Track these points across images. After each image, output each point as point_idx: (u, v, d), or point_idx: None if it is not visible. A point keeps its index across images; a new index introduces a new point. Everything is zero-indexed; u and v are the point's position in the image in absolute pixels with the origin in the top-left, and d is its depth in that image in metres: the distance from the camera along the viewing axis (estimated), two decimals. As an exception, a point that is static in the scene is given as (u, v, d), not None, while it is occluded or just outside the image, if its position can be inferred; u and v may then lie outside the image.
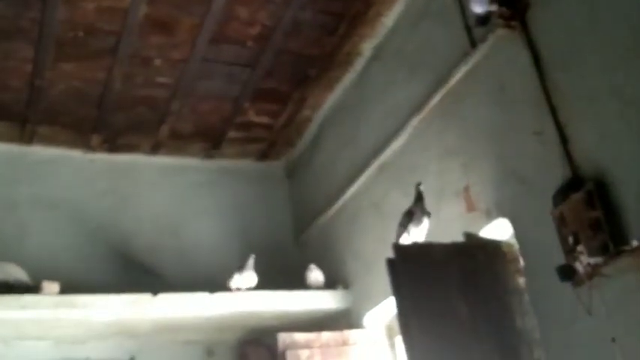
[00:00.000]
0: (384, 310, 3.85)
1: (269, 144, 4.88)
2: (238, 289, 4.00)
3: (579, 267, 2.42)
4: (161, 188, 4.69)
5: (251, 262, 4.05)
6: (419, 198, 3.09)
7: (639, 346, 2.28)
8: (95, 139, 4.49)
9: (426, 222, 3.05)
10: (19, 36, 3.65)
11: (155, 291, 3.81)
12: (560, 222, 2.58)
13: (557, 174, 2.65)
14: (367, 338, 3.98)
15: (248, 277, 4.04)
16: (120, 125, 4.42)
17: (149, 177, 4.70)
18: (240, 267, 4.06)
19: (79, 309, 3.66)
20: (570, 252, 2.49)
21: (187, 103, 4.33)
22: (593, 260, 2.37)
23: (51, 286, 3.65)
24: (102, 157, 4.61)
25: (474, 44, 3.18)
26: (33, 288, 3.66)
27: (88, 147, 4.54)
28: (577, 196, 2.51)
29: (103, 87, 4.08)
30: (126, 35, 3.72)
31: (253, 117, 4.57)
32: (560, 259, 2.53)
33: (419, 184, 3.11)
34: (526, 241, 2.81)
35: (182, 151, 4.76)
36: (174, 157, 4.78)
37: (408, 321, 2.64)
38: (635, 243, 2.22)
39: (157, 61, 3.96)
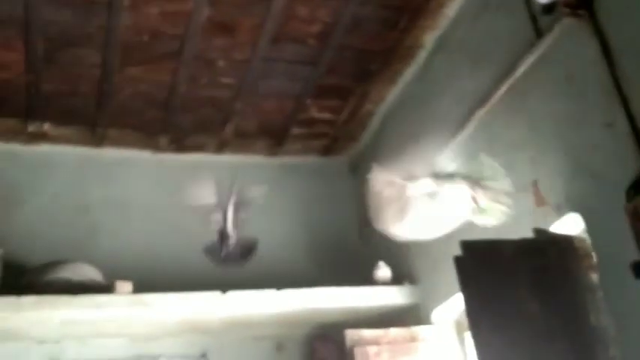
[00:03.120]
0: (453, 306, 3.81)
1: (332, 139, 4.88)
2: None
3: (655, 263, 2.34)
4: (227, 187, 4.73)
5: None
6: None
7: None
8: (162, 140, 4.58)
9: None
10: (86, 42, 3.75)
11: (224, 289, 3.87)
12: (634, 216, 2.49)
13: (629, 167, 2.56)
14: (436, 334, 3.94)
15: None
16: (186, 126, 4.50)
17: (216, 176, 4.75)
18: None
19: (150, 307, 3.75)
20: (645, 248, 2.41)
21: (250, 102, 4.36)
22: (669, 256, 2.29)
23: (124, 286, 3.74)
24: (170, 157, 4.69)
25: (539, 34, 3.09)
26: (107, 288, 3.76)
27: (156, 148, 4.63)
28: (652, 190, 2.43)
29: (169, 89, 4.15)
30: (189, 38, 3.77)
31: (315, 113, 4.57)
32: (635, 254, 2.45)
33: None
34: (599, 236, 2.72)
35: (246, 149, 4.80)
36: (239, 156, 4.82)
37: (477, 320, 2.60)
38: None
39: (220, 62, 4.00)
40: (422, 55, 4.15)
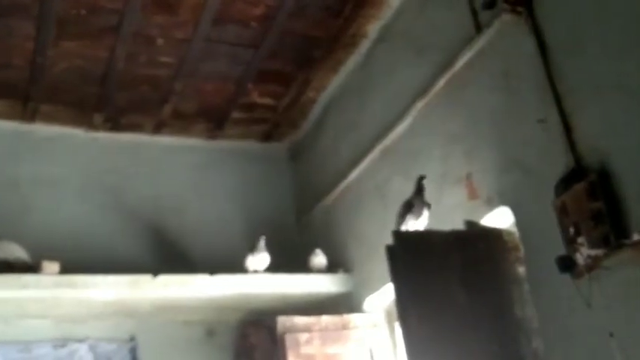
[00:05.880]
0: (385, 295, 3.84)
1: (272, 125, 4.85)
2: (255, 271, 4.05)
3: (579, 258, 2.40)
4: (164, 168, 4.67)
5: (262, 243, 4.10)
6: (419, 190, 3.06)
7: (637, 341, 2.26)
8: (97, 118, 4.46)
9: (425, 214, 3.03)
10: (20, 13, 3.61)
11: (155, 272, 3.81)
12: (562, 212, 2.55)
13: (560, 163, 2.62)
14: (367, 322, 3.97)
15: (261, 258, 4.08)
16: (122, 104, 4.39)
17: (152, 157, 4.67)
18: (252, 248, 4.10)
19: (78, 289, 3.66)
20: (571, 243, 2.47)
21: (190, 83, 4.29)
22: (593, 252, 2.35)
23: (51, 266, 3.64)
24: (104, 136, 4.58)
25: (479, 29, 3.13)
26: (33, 267, 3.65)
27: (90, 126, 4.51)
28: (579, 187, 2.48)
29: (106, 65, 4.04)
30: (128, 13, 3.67)
31: (257, 98, 4.53)
32: (561, 249, 2.51)
33: (422, 178, 3.08)
34: (527, 230, 2.78)
35: (185, 131, 4.73)
36: (177, 137, 4.74)
37: (406, 309, 2.62)
38: (636, 236, 2.20)
39: (160, 41, 3.92)
40: (364, 45, 4.15)
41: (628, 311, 2.30)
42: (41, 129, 4.43)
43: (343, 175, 4.25)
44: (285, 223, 4.83)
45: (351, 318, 3.98)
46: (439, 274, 2.70)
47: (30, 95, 4.18)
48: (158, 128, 4.65)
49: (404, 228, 3.04)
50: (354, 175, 4.16)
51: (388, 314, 3.97)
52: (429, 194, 3.07)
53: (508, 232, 2.83)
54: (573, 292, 2.41)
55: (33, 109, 4.30)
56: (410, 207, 3.05)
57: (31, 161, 4.35)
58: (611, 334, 2.28)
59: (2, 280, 3.51)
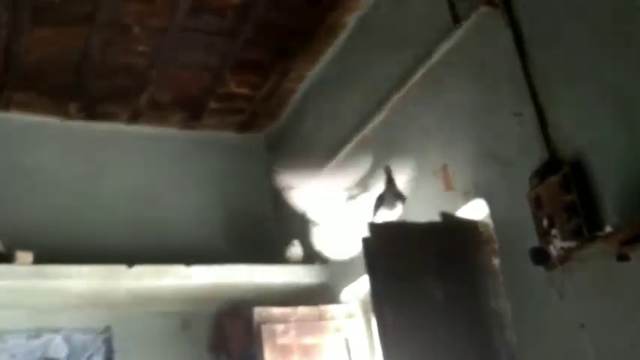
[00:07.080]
0: (362, 286, 3.84)
1: (250, 115, 4.83)
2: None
3: (553, 250, 2.41)
4: (140, 158, 4.63)
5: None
6: (388, 181, 3.07)
7: (608, 333, 2.29)
8: (73, 107, 4.41)
9: (399, 206, 3.03)
10: (-7, 0, 3.56)
11: (130, 262, 3.78)
12: (536, 204, 2.57)
13: (535, 156, 2.63)
14: (344, 313, 3.98)
15: None
16: (98, 93, 4.34)
17: (128, 146, 4.64)
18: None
19: (52, 279, 3.64)
20: (544, 235, 2.48)
21: (167, 72, 4.24)
22: (566, 244, 2.36)
23: (25, 256, 3.61)
24: (80, 125, 4.53)
25: (456, 21, 3.12)
26: (6, 257, 3.62)
27: (65, 115, 4.46)
28: (553, 179, 2.50)
29: (81, 54, 3.99)
30: (103, 1, 3.62)
31: (234, 88, 4.50)
32: (535, 241, 2.53)
33: (387, 167, 3.09)
34: (502, 222, 2.80)
35: (161, 120, 4.69)
36: (153, 127, 4.71)
37: (381, 301, 2.63)
38: (609, 229, 2.21)
39: (136, 29, 3.87)
40: (343, 36, 4.13)
41: (599, 303, 2.33)
42: (15, 118, 4.38)
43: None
44: (262, 214, 4.81)
45: (328, 309, 4.00)
46: (415, 265, 2.71)
47: (4, 83, 4.13)
48: (134, 118, 4.61)
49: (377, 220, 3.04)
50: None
51: (365, 305, 3.98)
52: (404, 185, 3.08)
53: (483, 224, 2.84)
54: (546, 284, 2.43)
55: (7, 98, 4.24)
56: (381, 200, 3.06)
57: (5, 150, 4.29)
58: (583, 326, 2.30)
59: (-26, 270, 3.48)
